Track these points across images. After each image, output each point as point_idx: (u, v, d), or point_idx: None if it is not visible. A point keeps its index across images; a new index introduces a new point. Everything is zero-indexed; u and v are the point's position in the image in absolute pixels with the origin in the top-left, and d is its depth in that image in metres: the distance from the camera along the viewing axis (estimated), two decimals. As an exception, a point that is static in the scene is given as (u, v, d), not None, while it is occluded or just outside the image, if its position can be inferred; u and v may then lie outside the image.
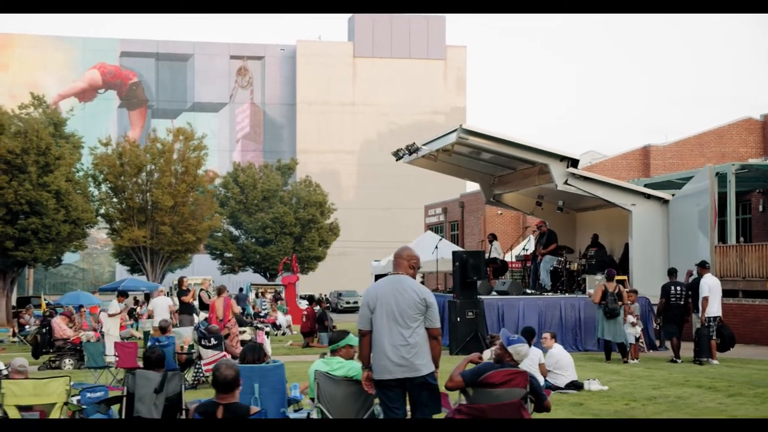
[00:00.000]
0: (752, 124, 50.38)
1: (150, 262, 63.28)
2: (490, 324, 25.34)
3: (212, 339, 18.72)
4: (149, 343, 19.17)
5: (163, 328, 19.36)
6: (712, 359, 21.00)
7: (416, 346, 9.51)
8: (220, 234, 74.11)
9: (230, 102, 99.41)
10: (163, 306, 25.76)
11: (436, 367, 9.75)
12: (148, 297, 48.59)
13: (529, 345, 13.53)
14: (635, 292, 23.82)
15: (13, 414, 10.63)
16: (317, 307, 31.41)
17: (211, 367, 18.63)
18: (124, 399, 9.93)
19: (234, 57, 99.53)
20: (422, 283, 37.72)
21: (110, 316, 25.66)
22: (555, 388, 16.17)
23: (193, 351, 19.58)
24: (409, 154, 30.02)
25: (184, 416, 10.09)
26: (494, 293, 27.57)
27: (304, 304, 45.96)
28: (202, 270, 71.56)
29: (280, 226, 73.70)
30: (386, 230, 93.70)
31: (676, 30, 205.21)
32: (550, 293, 27.78)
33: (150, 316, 28.82)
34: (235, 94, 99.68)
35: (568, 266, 29.15)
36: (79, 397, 11.29)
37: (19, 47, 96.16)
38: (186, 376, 19.41)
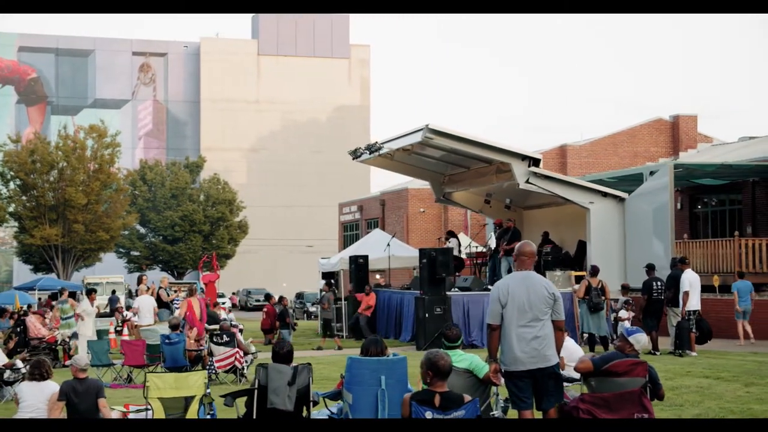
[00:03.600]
0: (662, 125, 52.12)
1: (61, 260, 62.15)
2: (456, 319, 25.86)
3: (224, 336, 18.81)
4: (161, 341, 19.14)
5: (174, 326, 19.34)
6: (692, 351, 21.93)
7: (546, 338, 10.02)
8: (127, 232, 73.13)
9: (132, 99, 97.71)
10: (147, 306, 25.46)
11: (559, 356, 10.33)
12: (55, 297, 47.72)
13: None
14: (626, 288, 24.53)
15: (157, 407, 10.74)
16: (278, 305, 31.45)
17: (223, 363, 18.74)
18: (256, 392, 10.12)
19: (136, 53, 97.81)
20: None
21: (82, 318, 25.26)
22: (572, 380, 16.70)
23: (202, 348, 19.64)
24: (369, 153, 30.35)
25: (312, 407, 10.38)
26: (455, 289, 28.16)
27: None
28: (109, 269, 70.28)
29: (189, 224, 73.20)
30: (290, 228, 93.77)
31: (586, 29, 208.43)
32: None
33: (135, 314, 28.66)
34: (137, 90, 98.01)
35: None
36: (209, 390, 11.41)
37: None
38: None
